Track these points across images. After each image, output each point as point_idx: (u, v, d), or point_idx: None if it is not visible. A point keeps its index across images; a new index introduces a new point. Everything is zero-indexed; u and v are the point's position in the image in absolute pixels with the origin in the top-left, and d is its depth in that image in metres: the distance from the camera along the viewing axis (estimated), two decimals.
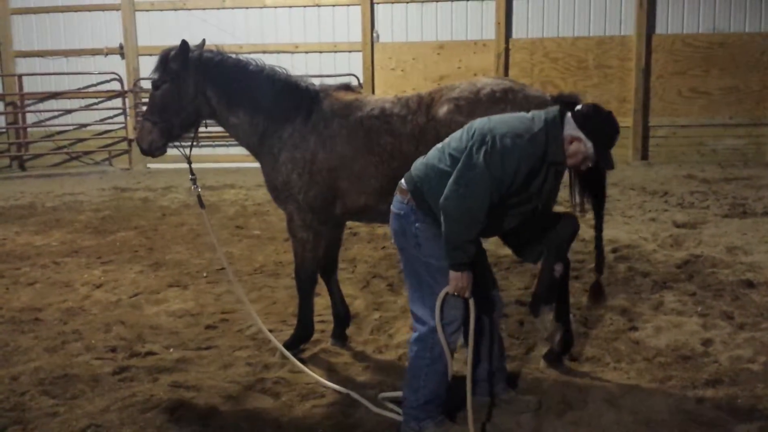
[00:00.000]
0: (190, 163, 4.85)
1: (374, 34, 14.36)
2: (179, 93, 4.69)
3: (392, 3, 14.29)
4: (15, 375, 4.57)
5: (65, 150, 15.14)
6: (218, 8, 14.58)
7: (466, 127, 3.62)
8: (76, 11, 14.88)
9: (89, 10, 14.87)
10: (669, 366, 4.52)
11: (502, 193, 3.43)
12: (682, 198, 9.98)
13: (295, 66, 12.95)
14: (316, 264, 4.86)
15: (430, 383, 3.69)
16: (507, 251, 6.64)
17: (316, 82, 5.02)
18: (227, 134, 5.07)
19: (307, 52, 14.51)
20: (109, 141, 15.18)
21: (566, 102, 3.76)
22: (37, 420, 3.99)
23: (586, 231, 5.69)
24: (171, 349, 5.03)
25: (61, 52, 14.97)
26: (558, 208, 4.55)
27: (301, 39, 14.53)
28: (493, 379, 4.02)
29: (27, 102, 15.12)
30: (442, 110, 4.40)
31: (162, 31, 14.44)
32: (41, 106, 15.14)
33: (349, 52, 14.52)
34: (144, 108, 13.57)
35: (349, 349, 5.02)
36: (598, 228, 4.35)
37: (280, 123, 4.71)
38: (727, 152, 13.81)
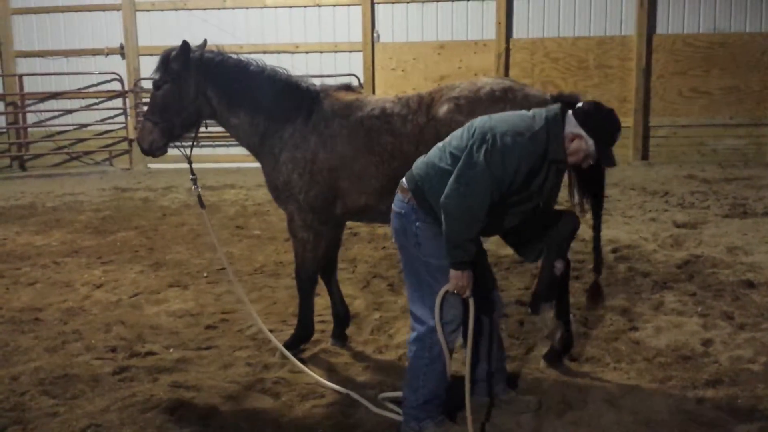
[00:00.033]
0: (190, 163, 4.85)
1: (375, 34, 14.36)
2: (180, 93, 4.70)
3: (393, 3, 14.30)
4: (15, 375, 4.57)
5: (66, 150, 15.15)
6: (219, 8, 14.59)
7: (466, 125, 3.62)
8: (76, 11, 14.88)
9: (90, 10, 14.88)
10: (669, 366, 4.51)
11: (503, 192, 3.43)
12: (682, 198, 9.97)
13: (296, 66, 12.96)
14: (317, 264, 4.86)
15: (429, 383, 3.69)
16: (507, 251, 6.66)
17: (317, 82, 5.02)
18: (227, 134, 5.08)
19: (307, 52, 14.52)
20: (110, 141, 15.19)
21: (566, 102, 3.75)
22: (37, 420, 3.99)
23: (586, 231, 5.68)
24: (171, 349, 5.03)
25: (62, 52, 14.97)
26: (557, 207, 4.54)
27: (302, 39, 14.53)
28: (493, 379, 4.02)
29: (27, 102, 15.12)
30: (442, 109, 4.40)
31: (162, 31, 14.45)
32: (42, 106, 15.15)
33: (350, 52, 14.52)
34: (144, 108, 13.61)
35: (349, 349, 5.02)
36: (597, 228, 4.34)
37: (280, 123, 4.71)
38: (727, 152, 13.80)
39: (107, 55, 14.87)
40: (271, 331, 5.00)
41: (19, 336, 5.32)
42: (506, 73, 13.72)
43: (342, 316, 5.14)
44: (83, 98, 14.96)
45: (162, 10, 14.72)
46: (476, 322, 3.68)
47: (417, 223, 3.58)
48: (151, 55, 13.70)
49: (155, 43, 14.07)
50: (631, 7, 13.80)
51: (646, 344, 4.88)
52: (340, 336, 5.12)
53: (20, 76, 14.91)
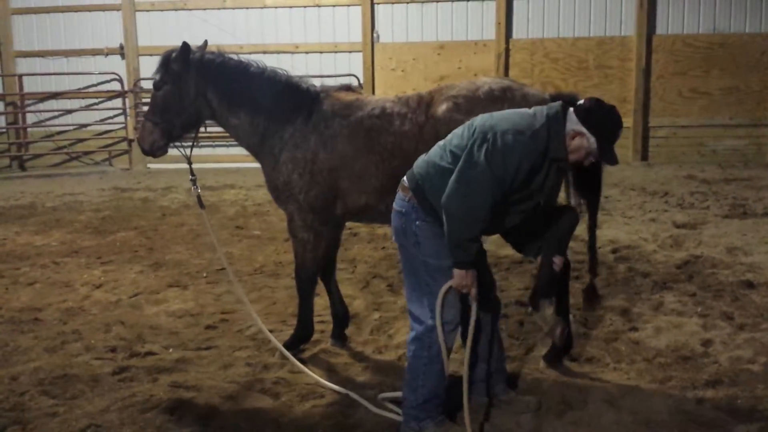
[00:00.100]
0: (190, 163, 4.86)
1: (374, 35, 14.36)
2: (180, 94, 4.71)
3: (393, 3, 14.30)
4: (15, 375, 4.57)
5: (65, 150, 15.14)
6: (219, 8, 14.59)
7: (467, 123, 3.61)
8: (76, 11, 14.88)
9: (89, 10, 14.87)
10: (669, 366, 4.51)
11: (505, 191, 3.43)
12: (682, 198, 9.98)
13: (296, 66, 12.99)
14: (317, 264, 4.86)
15: (428, 382, 3.68)
16: (507, 251, 6.66)
17: (317, 82, 5.03)
18: (227, 134, 5.08)
19: (307, 53, 14.51)
20: (110, 141, 15.19)
21: (566, 101, 3.75)
22: (36, 420, 3.99)
23: (586, 231, 5.68)
24: (171, 349, 5.03)
25: (62, 52, 14.97)
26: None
27: (302, 39, 14.53)
28: (493, 379, 4.02)
29: (27, 102, 15.12)
30: (441, 108, 4.41)
31: (162, 31, 14.45)
32: (41, 106, 15.14)
33: (350, 52, 14.52)
34: (144, 108, 13.63)
35: (349, 350, 5.02)
36: (592, 228, 4.34)
37: (281, 123, 4.71)
38: (727, 153, 13.81)
39: (107, 55, 14.87)
40: (270, 331, 5.00)
41: (18, 336, 5.32)
42: (506, 74, 13.72)
43: (341, 317, 5.14)
44: (83, 98, 14.95)
45: (162, 11, 14.72)
46: (476, 322, 3.68)
47: (417, 222, 3.58)
48: (151, 55, 13.71)
49: (155, 43, 14.07)
50: (631, 8, 13.80)
51: (646, 344, 4.88)
52: (339, 336, 5.12)
53: (20, 76, 14.91)
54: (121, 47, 14.81)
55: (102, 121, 15.04)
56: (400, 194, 3.69)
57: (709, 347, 4.79)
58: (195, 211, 9.35)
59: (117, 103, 14.91)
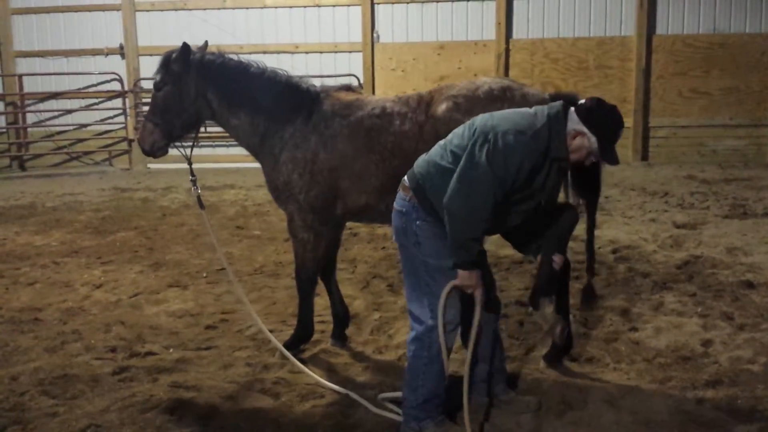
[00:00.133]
0: (190, 163, 4.86)
1: (374, 35, 14.36)
2: (181, 95, 4.71)
3: (393, 3, 14.30)
4: (15, 375, 4.57)
5: (65, 150, 15.14)
6: (219, 8, 14.59)
7: (467, 123, 3.61)
8: (76, 11, 14.88)
9: (89, 10, 14.88)
10: (669, 367, 4.51)
11: (506, 191, 3.43)
12: (682, 199, 9.98)
13: (296, 66, 13.00)
14: (317, 264, 4.86)
15: (428, 382, 3.68)
16: (507, 252, 6.67)
17: (317, 82, 5.03)
18: (227, 134, 5.08)
19: (307, 53, 14.51)
20: (110, 141, 15.19)
21: (566, 100, 3.74)
22: (36, 420, 3.99)
23: (585, 231, 5.68)
24: (171, 350, 5.03)
25: (62, 52, 14.97)
26: None
27: (302, 39, 14.53)
28: (493, 379, 4.02)
29: (27, 102, 15.12)
30: (441, 108, 4.41)
31: (162, 31, 14.45)
32: (41, 106, 15.14)
33: (350, 52, 14.52)
34: (144, 108, 13.63)
35: (349, 350, 5.02)
36: (591, 228, 4.33)
37: (281, 123, 4.71)
38: (727, 153, 13.81)
39: (107, 55, 14.87)
40: (270, 331, 5.00)
41: (18, 336, 5.32)
42: (506, 74, 13.73)
43: (342, 317, 5.14)
44: (83, 98, 14.95)
45: (162, 11, 14.72)
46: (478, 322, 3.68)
47: (417, 222, 3.58)
48: (151, 55, 13.74)
49: (155, 43, 14.08)
50: (631, 8, 13.80)
51: (646, 345, 4.88)
52: (339, 336, 5.12)
53: (20, 76, 14.91)
54: (121, 47, 14.82)
55: (102, 121, 15.04)
56: (400, 194, 3.69)
57: (709, 347, 4.79)
58: (195, 211, 9.35)
59: (117, 103, 14.91)
